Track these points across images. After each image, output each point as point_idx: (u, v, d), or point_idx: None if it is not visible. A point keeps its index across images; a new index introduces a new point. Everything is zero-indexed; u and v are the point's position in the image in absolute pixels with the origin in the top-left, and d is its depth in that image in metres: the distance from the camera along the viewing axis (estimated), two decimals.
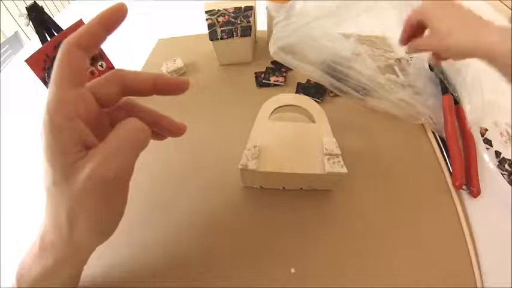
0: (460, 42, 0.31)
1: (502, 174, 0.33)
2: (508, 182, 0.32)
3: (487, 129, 0.37)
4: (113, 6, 0.21)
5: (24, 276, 0.21)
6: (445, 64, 0.41)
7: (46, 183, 0.19)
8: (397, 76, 0.44)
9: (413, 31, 0.36)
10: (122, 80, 0.23)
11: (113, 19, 0.21)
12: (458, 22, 0.32)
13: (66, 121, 0.19)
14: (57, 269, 0.21)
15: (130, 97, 0.24)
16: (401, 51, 0.44)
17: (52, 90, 0.19)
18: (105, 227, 0.21)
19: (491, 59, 0.30)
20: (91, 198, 0.19)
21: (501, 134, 0.37)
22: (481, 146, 0.35)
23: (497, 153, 0.35)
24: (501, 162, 0.35)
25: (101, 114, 0.22)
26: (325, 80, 0.40)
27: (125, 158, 0.19)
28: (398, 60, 0.47)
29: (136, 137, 0.20)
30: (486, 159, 0.34)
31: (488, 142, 0.36)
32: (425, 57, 0.43)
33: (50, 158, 0.19)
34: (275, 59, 0.41)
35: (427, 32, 0.35)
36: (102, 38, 0.21)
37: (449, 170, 0.33)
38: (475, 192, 0.31)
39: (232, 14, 0.47)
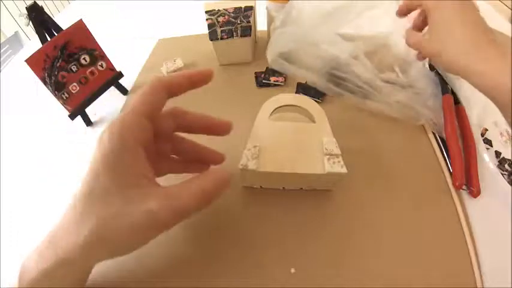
0: (453, 63, 0.27)
1: (502, 174, 0.33)
2: (508, 182, 0.32)
3: (487, 129, 0.37)
4: (205, 70, 0.25)
5: (26, 275, 0.21)
6: None
7: (90, 187, 0.19)
8: (397, 76, 0.44)
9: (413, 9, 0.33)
10: (178, 117, 0.26)
11: (200, 79, 0.25)
12: (458, 31, 0.26)
13: (134, 143, 0.20)
14: (60, 269, 0.20)
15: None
16: (401, 51, 0.44)
17: (129, 111, 0.21)
18: (118, 255, 0.21)
19: (487, 92, 0.25)
20: (135, 229, 0.19)
21: (501, 134, 0.37)
22: (481, 146, 0.35)
23: (497, 153, 0.35)
24: (501, 162, 0.35)
25: (152, 148, 0.24)
26: (324, 86, 0.40)
27: (182, 217, 0.20)
28: (398, 60, 0.47)
29: (211, 193, 0.21)
30: (486, 159, 0.34)
31: (488, 142, 0.36)
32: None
33: (111, 168, 0.19)
34: (273, 67, 0.41)
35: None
36: (186, 90, 0.24)
37: (449, 170, 0.33)
38: (475, 192, 0.31)
39: (232, 14, 0.47)
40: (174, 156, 0.28)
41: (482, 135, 0.37)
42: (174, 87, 0.23)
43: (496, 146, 0.36)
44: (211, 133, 0.27)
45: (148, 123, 0.22)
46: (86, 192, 0.19)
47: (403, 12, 0.34)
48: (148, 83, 0.23)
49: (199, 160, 0.29)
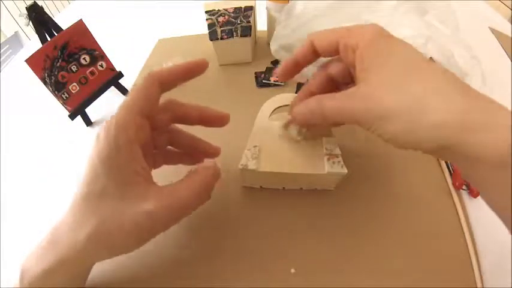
0: (404, 136, 0.18)
1: None
2: None
3: None
4: (198, 60, 0.24)
5: (27, 274, 0.21)
6: (445, 63, 0.41)
7: (89, 188, 0.20)
8: None
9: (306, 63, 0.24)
10: (174, 110, 0.25)
11: (194, 70, 0.24)
12: (405, 85, 0.18)
13: (129, 142, 0.20)
14: (60, 268, 0.21)
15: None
16: None
17: (123, 109, 0.21)
18: (119, 254, 0.21)
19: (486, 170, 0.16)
20: (134, 230, 0.19)
21: None
22: None
23: None
24: None
25: (150, 144, 0.24)
26: None
27: (179, 217, 0.21)
28: None
29: (202, 195, 0.22)
30: None
31: None
32: (426, 56, 0.43)
33: (107, 167, 0.19)
34: (276, 57, 0.41)
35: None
36: (180, 82, 0.24)
37: (449, 170, 0.33)
38: (475, 192, 0.31)
39: (232, 14, 0.47)
40: (170, 147, 0.28)
41: None
42: (167, 79, 0.23)
43: None
44: (208, 124, 0.26)
45: (143, 120, 0.22)
46: (85, 192, 0.20)
47: (289, 72, 0.25)
48: (143, 79, 0.22)
49: (195, 152, 0.29)
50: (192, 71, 0.24)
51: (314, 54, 0.23)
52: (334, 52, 0.22)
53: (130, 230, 0.19)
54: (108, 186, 0.19)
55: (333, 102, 0.20)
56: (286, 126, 0.29)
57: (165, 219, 0.20)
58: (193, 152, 0.29)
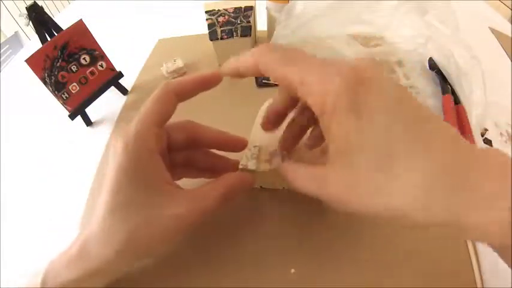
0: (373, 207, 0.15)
1: None
2: None
3: (487, 129, 0.37)
4: (213, 72, 0.24)
5: (53, 280, 0.21)
6: (445, 63, 0.41)
7: (116, 199, 0.20)
8: (397, 77, 0.44)
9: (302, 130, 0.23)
10: (193, 132, 0.25)
11: (209, 82, 0.24)
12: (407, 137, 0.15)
13: (149, 151, 0.20)
14: (91, 278, 0.21)
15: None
16: (402, 51, 0.44)
17: (140, 121, 0.21)
18: (146, 259, 0.22)
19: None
20: (164, 235, 0.20)
21: (501, 134, 0.37)
22: (481, 146, 0.35)
23: None
24: None
25: (166, 155, 0.24)
26: None
27: (203, 218, 0.21)
28: (399, 60, 0.47)
29: (235, 189, 0.22)
30: None
31: (488, 142, 0.36)
32: (426, 56, 0.43)
33: (133, 178, 0.20)
34: None
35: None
36: (195, 94, 0.24)
37: None
38: None
39: (232, 14, 0.47)
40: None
41: (482, 135, 0.37)
42: (183, 90, 0.23)
43: (496, 146, 0.36)
44: (224, 149, 0.27)
45: (160, 131, 0.22)
46: (113, 204, 0.20)
47: (272, 122, 0.23)
48: (157, 88, 0.23)
49: (213, 168, 0.29)
50: (208, 82, 0.24)
51: None
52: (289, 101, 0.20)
53: (161, 235, 0.20)
54: (135, 196, 0.19)
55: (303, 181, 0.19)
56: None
57: (194, 221, 0.20)
58: (210, 168, 0.29)
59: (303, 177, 0.19)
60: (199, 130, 0.26)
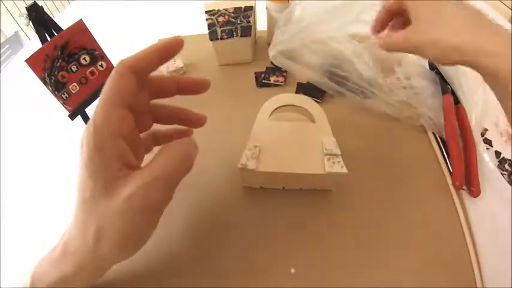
0: (453, 47, 0.25)
1: (502, 174, 0.33)
2: (508, 182, 0.32)
3: (487, 129, 0.37)
4: (171, 39, 0.23)
5: (41, 280, 0.21)
6: None
7: (82, 194, 0.20)
8: (398, 77, 0.44)
9: (390, 19, 0.32)
10: (149, 84, 0.24)
11: (169, 50, 0.23)
12: (451, 11, 0.26)
13: (111, 139, 0.19)
14: (77, 275, 0.21)
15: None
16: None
17: (100, 106, 0.20)
18: (131, 246, 0.21)
19: (494, 75, 0.24)
20: (124, 218, 0.19)
21: (501, 134, 0.37)
22: (481, 146, 0.35)
23: (497, 153, 0.35)
24: (501, 162, 0.35)
25: (135, 132, 0.23)
26: (325, 84, 0.40)
27: (166, 189, 0.20)
28: (399, 60, 0.47)
29: (183, 162, 0.21)
30: (486, 159, 0.34)
31: (488, 142, 0.36)
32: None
33: (91, 171, 0.19)
34: (274, 63, 0.41)
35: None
36: (155, 66, 0.23)
37: (449, 170, 0.33)
38: (475, 192, 0.31)
39: (232, 14, 0.47)
40: (156, 128, 0.28)
41: (482, 135, 0.37)
42: (139, 66, 0.22)
43: (496, 146, 0.36)
44: (187, 92, 0.26)
45: (125, 111, 0.21)
46: (81, 200, 0.20)
47: (377, 28, 0.33)
48: (113, 70, 0.21)
49: (180, 123, 0.28)
50: (164, 51, 0.22)
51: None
52: None
53: (121, 221, 0.19)
54: (97, 188, 0.19)
55: (395, 38, 0.29)
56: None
57: (142, 198, 0.19)
58: (178, 123, 0.28)
59: (393, 37, 0.29)
60: (156, 80, 0.25)
